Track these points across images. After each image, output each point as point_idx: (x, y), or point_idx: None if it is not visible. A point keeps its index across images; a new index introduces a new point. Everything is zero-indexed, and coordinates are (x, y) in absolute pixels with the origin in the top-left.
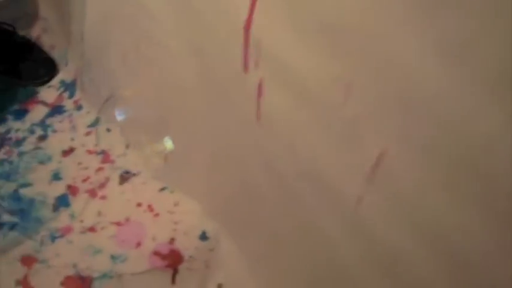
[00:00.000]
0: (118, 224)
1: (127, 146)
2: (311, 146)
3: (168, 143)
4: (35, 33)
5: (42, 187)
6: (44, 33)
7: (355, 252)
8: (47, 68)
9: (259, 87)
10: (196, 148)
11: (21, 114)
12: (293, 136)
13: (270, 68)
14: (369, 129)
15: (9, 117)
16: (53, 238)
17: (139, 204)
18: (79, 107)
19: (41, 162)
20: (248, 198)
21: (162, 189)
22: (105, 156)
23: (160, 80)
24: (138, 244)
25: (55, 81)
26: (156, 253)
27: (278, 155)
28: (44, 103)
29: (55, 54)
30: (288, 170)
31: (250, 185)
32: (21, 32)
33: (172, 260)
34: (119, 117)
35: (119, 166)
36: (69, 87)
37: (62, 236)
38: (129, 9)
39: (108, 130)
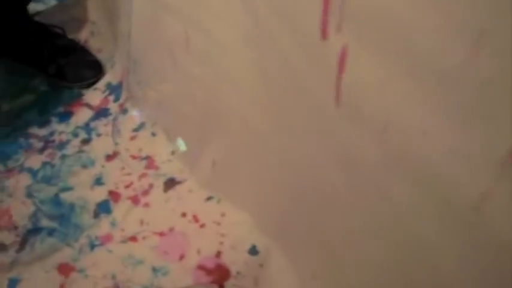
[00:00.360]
0: (161, 234)
1: (172, 152)
2: (415, 129)
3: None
4: (83, 36)
5: (83, 192)
6: (91, 37)
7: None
8: (92, 70)
9: (342, 58)
10: (248, 151)
11: (65, 116)
12: (387, 118)
13: (359, 28)
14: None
15: (54, 119)
16: (92, 246)
17: (184, 214)
18: (124, 111)
19: (84, 166)
20: (307, 209)
21: (209, 198)
22: (149, 161)
23: (211, 76)
24: (182, 257)
25: (101, 83)
26: (201, 267)
27: (363, 148)
28: (89, 106)
29: (102, 57)
30: (376, 166)
31: (315, 192)
32: (70, 36)
33: (219, 276)
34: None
35: (163, 173)
36: (115, 90)
37: (101, 245)
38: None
39: (153, 134)
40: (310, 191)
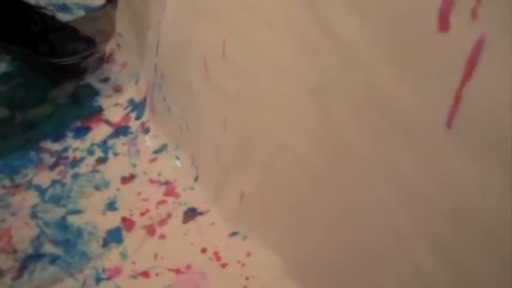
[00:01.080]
0: (177, 271)
1: (196, 179)
2: None
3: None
4: (108, 49)
5: (93, 216)
6: (117, 50)
7: None
8: (85, 44)
9: (473, 56)
10: (287, 186)
11: (82, 132)
12: None
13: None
14: None
15: (69, 134)
16: (98, 279)
17: (204, 250)
18: (146, 130)
19: (97, 188)
20: (357, 261)
21: (233, 234)
22: (169, 187)
23: (250, 95)
24: None
25: (123, 99)
26: None
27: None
28: (108, 122)
29: (127, 72)
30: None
31: (372, 244)
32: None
33: None
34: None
35: (184, 201)
36: (138, 107)
37: (108, 278)
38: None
39: (176, 158)
40: (367, 241)
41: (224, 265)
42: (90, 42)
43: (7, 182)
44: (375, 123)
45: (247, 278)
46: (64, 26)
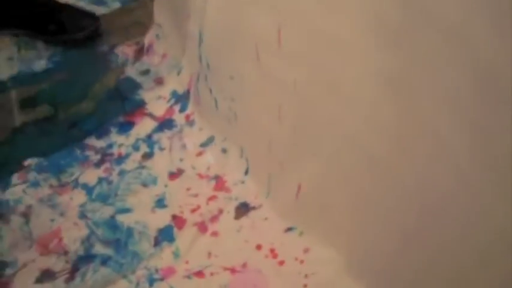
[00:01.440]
0: (232, 270)
1: (246, 172)
2: None
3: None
4: (147, 41)
5: (143, 215)
6: (156, 40)
7: None
8: (90, 19)
9: None
10: (348, 178)
11: (126, 127)
12: None
13: None
14: None
15: (113, 129)
16: (152, 280)
17: (259, 247)
18: (191, 123)
19: (144, 185)
20: (421, 256)
21: (289, 229)
22: (219, 182)
23: (309, 83)
24: None
25: (165, 91)
26: None
27: None
28: (152, 116)
29: (167, 63)
30: None
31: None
32: (134, 40)
33: None
34: None
35: (235, 196)
36: (182, 99)
37: (162, 279)
38: None
39: (224, 151)
40: (431, 234)
41: (281, 262)
42: (94, 17)
43: (54, 182)
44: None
45: (306, 276)
46: (66, 5)
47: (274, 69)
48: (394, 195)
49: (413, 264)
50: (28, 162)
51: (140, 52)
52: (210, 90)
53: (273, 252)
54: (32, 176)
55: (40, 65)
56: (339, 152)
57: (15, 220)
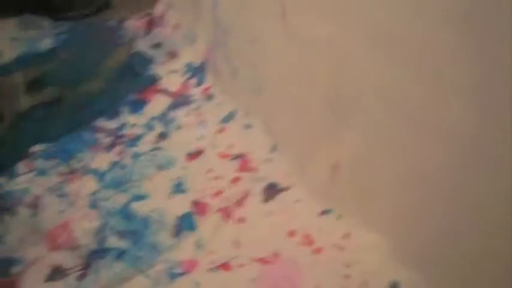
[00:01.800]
0: (262, 261)
1: (273, 148)
2: None
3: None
4: (158, 11)
5: (160, 202)
6: (168, 10)
7: None
8: None
9: None
10: (392, 153)
11: (138, 105)
12: None
13: None
14: None
15: (124, 109)
16: (172, 275)
17: (292, 233)
18: (209, 97)
19: (160, 168)
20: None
21: (324, 212)
22: (243, 161)
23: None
24: None
25: (180, 65)
26: None
27: None
28: (166, 92)
29: (181, 34)
30: None
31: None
32: (144, 11)
33: None
34: None
35: (262, 176)
36: (197, 72)
37: (184, 273)
38: None
39: (247, 126)
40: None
41: (318, 250)
42: None
43: (63, 168)
44: None
45: (348, 265)
46: None
47: (304, 26)
48: (449, 169)
49: (466, 248)
50: (35, 148)
51: (151, 24)
52: (229, 58)
53: (308, 239)
54: (39, 163)
55: (45, 44)
56: (383, 121)
57: (23, 212)
